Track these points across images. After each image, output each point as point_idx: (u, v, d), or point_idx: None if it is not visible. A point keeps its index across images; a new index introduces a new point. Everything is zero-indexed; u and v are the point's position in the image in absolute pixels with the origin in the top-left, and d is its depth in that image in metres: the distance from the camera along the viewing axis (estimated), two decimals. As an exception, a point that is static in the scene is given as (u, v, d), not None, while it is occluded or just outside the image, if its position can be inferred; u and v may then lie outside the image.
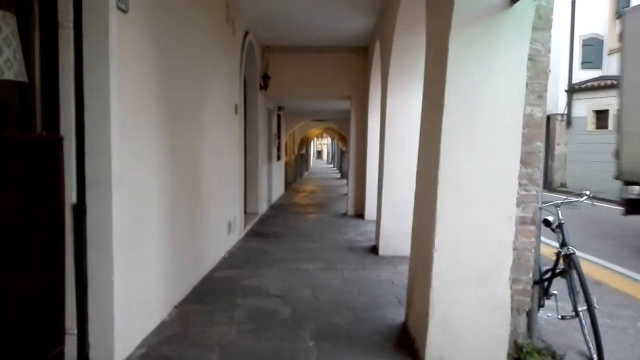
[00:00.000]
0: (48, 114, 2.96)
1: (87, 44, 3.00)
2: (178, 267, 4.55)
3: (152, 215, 3.92)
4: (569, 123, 19.03)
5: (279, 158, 14.49)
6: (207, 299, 4.74)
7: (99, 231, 3.12)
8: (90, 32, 3.00)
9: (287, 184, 17.96)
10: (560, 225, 3.75)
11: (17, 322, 2.67)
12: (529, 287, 3.47)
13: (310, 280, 5.45)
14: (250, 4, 7.19)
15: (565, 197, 4.09)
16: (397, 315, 4.29)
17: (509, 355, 3.32)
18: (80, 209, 3.05)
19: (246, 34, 7.97)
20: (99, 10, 3.00)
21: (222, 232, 6.53)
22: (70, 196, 3.04)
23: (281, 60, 10.13)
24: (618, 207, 8.65)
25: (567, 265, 3.67)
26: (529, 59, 3.22)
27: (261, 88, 9.66)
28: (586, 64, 18.94)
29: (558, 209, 3.80)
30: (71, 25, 2.95)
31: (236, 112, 7.28)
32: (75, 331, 3.12)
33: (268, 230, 8.79)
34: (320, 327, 4.04)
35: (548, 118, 18.53)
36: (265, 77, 9.72)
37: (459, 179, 3.21)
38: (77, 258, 3.08)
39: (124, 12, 3.20)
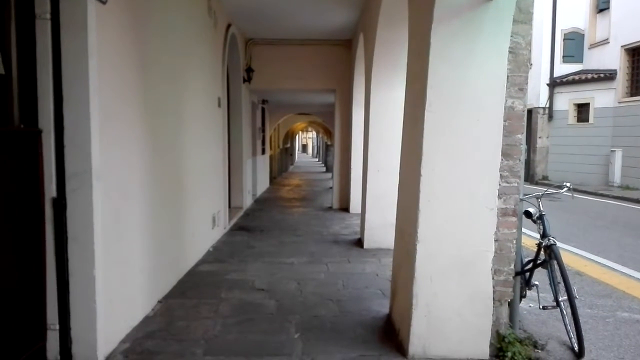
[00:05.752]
0: (26, 107, 2.91)
1: (65, 35, 2.95)
2: (162, 260, 4.52)
3: (134, 209, 3.88)
4: (550, 116, 19.26)
5: (263, 152, 14.43)
6: (191, 293, 4.72)
7: (80, 225, 3.08)
8: (68, 23, 2.95)
9: (272, 178, 17.92)
10: (541, 217, 3.80)
11: (-3, 318, 2.63)
12: (511, 278, 3.52)
13: (296, 273, 5.45)
14: (232, -4, 7.12)
15: (546, 189, 4.13)
16: (382, 307, 4.32)
17: (491, 345, 3.37)
18: (60, 203, 3.01)
19: (228, 26, 7.90)
20: (77, 1, 2.95)
21: (206, 226, 6.50)
22: (50, 190, 3.00)
23: (265, 53, 10.08)
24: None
25: (548, 256, 3.72)
26: (510, 51, 3.24)
27: (245, 81, 9.58)
28: (567, 57, 19.13)
29: (539, 200, 3.85)
30: (48, 16, 2.89)
31: (219, 105, 7.23)
32: (57, 326, 3.08)
33: (253, 224, 8.76)
34: (305, 320, 4.05)
35: (530, 111, 18.74)
36: (249, 70, 9.64)
37: (441, 171, 3.23)
38: (58, 252, 3.04)
39: (103, 2, 3.14)
